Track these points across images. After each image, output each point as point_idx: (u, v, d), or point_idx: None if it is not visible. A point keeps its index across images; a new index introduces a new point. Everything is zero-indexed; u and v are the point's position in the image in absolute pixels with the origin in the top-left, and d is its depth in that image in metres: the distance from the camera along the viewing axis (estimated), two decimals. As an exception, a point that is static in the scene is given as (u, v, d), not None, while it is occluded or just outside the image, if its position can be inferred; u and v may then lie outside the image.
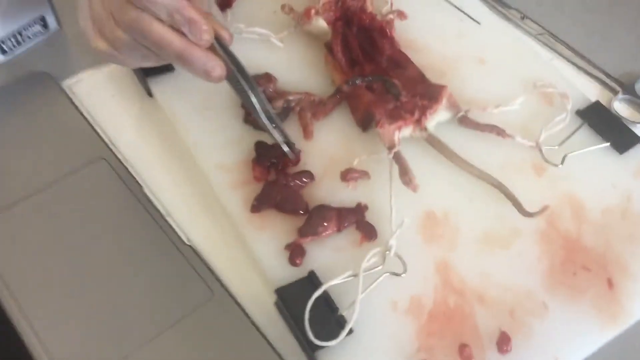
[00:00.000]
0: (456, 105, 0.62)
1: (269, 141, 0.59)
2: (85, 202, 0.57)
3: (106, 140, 0.62)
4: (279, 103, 0.61)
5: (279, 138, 0.56)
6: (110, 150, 0.61)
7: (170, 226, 0.56)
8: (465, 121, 0.61)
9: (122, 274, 0.52)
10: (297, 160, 0.58)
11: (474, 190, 0.57)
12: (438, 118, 0.61)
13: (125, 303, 0.51)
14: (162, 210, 0.57)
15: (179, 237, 0.55)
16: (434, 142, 0.60)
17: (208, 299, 0.51)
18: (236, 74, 0.52)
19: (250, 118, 0.61)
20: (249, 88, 0.53)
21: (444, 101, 0.61)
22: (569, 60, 0.70)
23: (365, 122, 0.61)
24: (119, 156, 0.61)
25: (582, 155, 0.58)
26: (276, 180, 0.57)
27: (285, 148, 0.56)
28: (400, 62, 0.65)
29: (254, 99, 0.54)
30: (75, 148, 0.60)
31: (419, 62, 0.65)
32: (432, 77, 0.64)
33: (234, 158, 0.59)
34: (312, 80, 0.65)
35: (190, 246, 0.54)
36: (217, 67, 0.49)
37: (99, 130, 0.63)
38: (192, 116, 0.61)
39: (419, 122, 0.60)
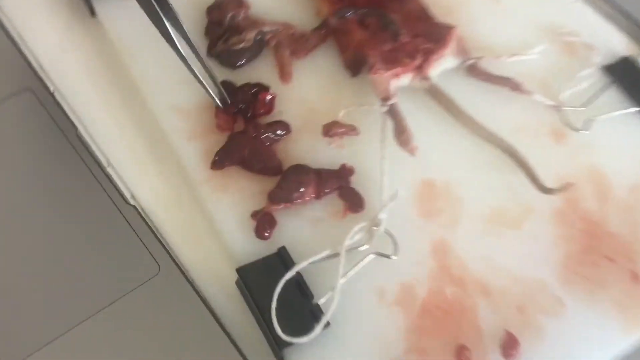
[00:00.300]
0: (465, 51, 0.51)
1: (238, 81, 0.48)
2: (3, 144, 0.46)
3: (35, 66, 0.50)
4: (251, 34, 0.50)
5: (204, 84, 0.45)
6: (40, 79, 0.49)
7: (111, 179, 0.45)
8: (475, 71, 0.51)
9: (46, 238, 0.42)
10: (270, 108, 0.48)
11: (482, 156, 0.47)
12: (443, 65, 0.50)
13: (48, 276, 0.41)
14: (101, 159, 0.46)
15: (121, 194, 0.45)
16: (437, 94, 0.49)
17: (153, 274, 0.41)
18: None
19: (216, 50, 0.50)
20: (160, 10, 0.43)
21: (452, 45, 0.50)
22: (594, 4, 0.60)
23: (356, 66, 0.50)
24: (51, 88, 0.49)
25: (609, 120, 0.49)
26: (244, 130, 0.46)
27: (213, 96, 0.46)
28: (401, -7, 0.54)
29: (168, 26, 0.43)
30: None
31: (422, -5, 0.54)
32: (438, 14, 0.53)
33: (193, 100, 0.48)
34: (293, 9, 0.53)
35: (134, 206, 0.44)
36: None
37: (27, 54, 0.50)
38: (144, 43, 0.50)
39: (420, 69, 0.49)
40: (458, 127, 0.49)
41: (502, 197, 0.46)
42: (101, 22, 0.51)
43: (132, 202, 0.45)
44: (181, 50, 0.44)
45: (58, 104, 0.48)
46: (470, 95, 0.50)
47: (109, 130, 0.48)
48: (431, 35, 0.50)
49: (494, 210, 0.45)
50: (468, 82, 0.51)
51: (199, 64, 0.46)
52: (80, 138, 0.46)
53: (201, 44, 0.50)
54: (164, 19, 0.43)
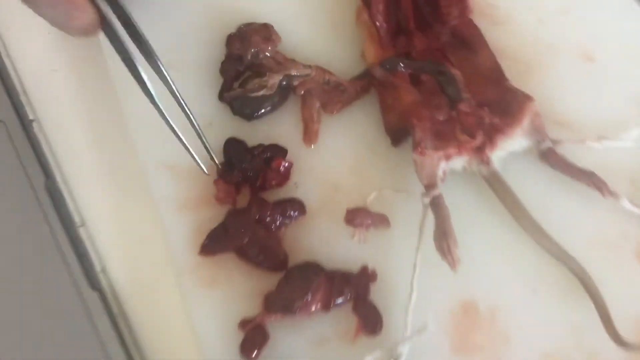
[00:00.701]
0: (541, 130, 0.40)
1: (252, 140, 0.39)
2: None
3: (17, 86, 0.42)
4: (275, 79, 0.40)
5: (185, 145, 0.36)
6: (16, 107, 0.41)
7: (79, 245, 0.37)
8: (549, 157, 0.40)
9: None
10: (284, 179, 0.38)
11: (542, 275, 0.37)
12: (510, 147, 0.40)
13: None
14: (74, 217, 0.38)
15: (88, 268, 0.37)
16: (495, 184, 0.39)
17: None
18: (115, 29, 0.32)
19: (230, 94, 0.40)
20: (140, 54, 0.34)
21: (526, 122, 0.39)
22: None
23: (399, 134, 0.40)
24: (30, 115, 0.41)
25: None
26: (247, 209, 0.37)
27: (198, 162, 0.37)
28: (469, 40, 0.43)
29: (143, 74, 0.33)
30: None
31: (496, 44, 0.43)
32: (512, 71, 0.42)
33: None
34: (332, 48, 0.43)
35: (99, 291, 0.36)
36: (83, 12, 0.30)
37: (9, 69, 0.42)
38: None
39: (480, 150, 0.39)
40: (517, 231, 0.38)
41: (561, 338, 0.36)
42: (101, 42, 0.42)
43: (100, 276, 0.37)
44: (155, 98, 0.35)
45: (33, 140, 0.39)
46: (537, 189, 0.39)
47: (88, 181, 0.39)
48: (501, 106, 0.40)
49: (548, 355, 0.35)
50: (537, 171, 0.40)
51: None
52: (49, 191, 0.38)
53: (214, 83, 0.41)
54: (135, 59, 0.33)
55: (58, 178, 0.39)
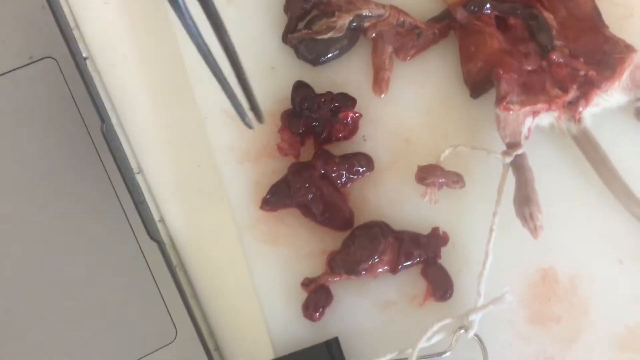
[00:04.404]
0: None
1: (317, 87, 0.36)
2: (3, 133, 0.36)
3: (69, 22, 0.39)
4: (344, 20, 0.37)
5: (232, 96, 0.29)
6: (68, 44, 0.38)
7: (138, 194, 0.36)
8: (648, 116, 0.36)
9: (30, 272, 0.34)
10: (352, 132, 0.36)
11: (631, 245, 0.34)
12: (605, 102, 0.36)
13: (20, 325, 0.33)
14: (131, 163, 0.37)
15: (147, 216, 0.35)
16: (586, 145, 0.35)
17: (166, 341, 0.33)
18: None
19: (294, 35, 0.37)
20: None
21: (625, 75, 0.35)
22: None
23: (480, 85, 0.36)
24: (84, 52, 0.39)
25: None
26: (312, 164, 0.34)
27: (244, 115, 0.30)
28: (565, -21, 0.38)
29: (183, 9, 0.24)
30: (14, 34, 0.38)
31: (592, -18, 0.38)
32: (611, 16, 0.37)
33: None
34: (409, -15, 0.39)
35: (158, 241, 0.35)
36: None
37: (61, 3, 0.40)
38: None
39: (572, 106, 0.35)
40: (605, 196, 0.35)
41: (648, 315, 0.33)
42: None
43: (159, 226, 0.36)
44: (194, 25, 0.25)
45: (87, 80, 0.37)
46: (631, 150, 0.35)
47: (145, 125, 0.37)
48: (598, 57, 0.35)
49: (632, 330, 0.33)
50: (633, 130, 0.36)
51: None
52: (106, 136, 0.36)
53: (277, 23, 0.38)
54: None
55: (114, 121, 0.37)
